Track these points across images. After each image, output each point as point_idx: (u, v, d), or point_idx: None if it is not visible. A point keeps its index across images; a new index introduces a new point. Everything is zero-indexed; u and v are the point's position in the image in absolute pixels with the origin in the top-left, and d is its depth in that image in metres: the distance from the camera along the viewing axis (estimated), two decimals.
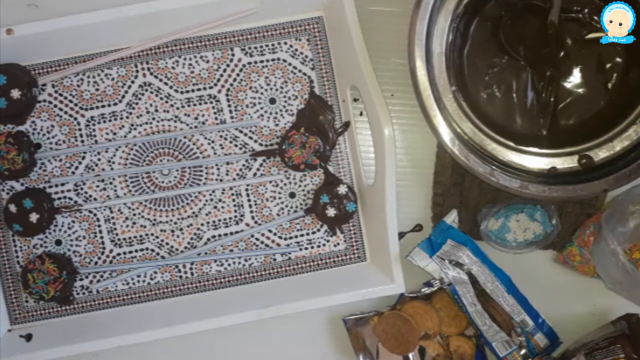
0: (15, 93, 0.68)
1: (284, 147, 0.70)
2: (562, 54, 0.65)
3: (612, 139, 0.64)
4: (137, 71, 0.71)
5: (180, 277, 0.73)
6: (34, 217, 0.69)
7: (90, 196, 0.72)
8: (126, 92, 0.72)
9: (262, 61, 0.72)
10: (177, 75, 0.72)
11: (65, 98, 0.72)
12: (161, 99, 0.72)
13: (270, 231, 0.73)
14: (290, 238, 0.73)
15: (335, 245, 0.73)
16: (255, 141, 0.72)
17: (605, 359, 0.64)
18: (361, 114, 0.72)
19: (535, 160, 0.66)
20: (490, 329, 0.68)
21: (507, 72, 0.67)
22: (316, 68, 0.72)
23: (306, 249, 0.73)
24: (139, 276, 0.73)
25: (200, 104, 0.72)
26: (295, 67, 0.72)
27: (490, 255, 0.70)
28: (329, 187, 0.70)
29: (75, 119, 0.72)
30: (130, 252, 0.73)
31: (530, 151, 0.66)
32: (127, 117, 0.72)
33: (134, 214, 0.72)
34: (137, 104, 0.72)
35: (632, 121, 0.64)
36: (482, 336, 0.68)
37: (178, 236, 0.73)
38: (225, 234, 0.73)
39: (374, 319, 0.70)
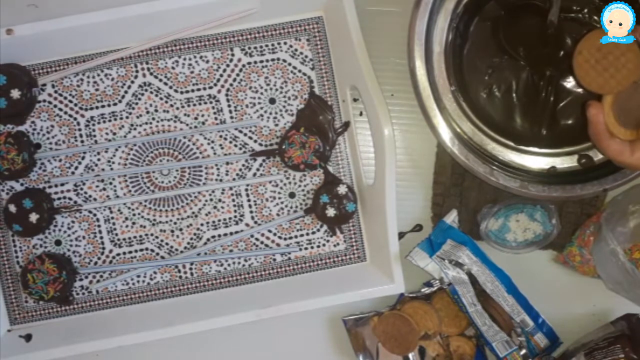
0: (15, 93, 0.68)
1: (283, 147, 0.70)
2: (562, 53, 0.65)
3: None
4: (137, 71, 0.71)
5: (180, 277, 0.73)
6: (33, 217, 0.69)
7: (90, 196, 0.72)
8: (126, 92, 0.72)
9: (262, 61, 0.72)
10: (177, 75, 0.72)
11: (65, 98, 0.72)
12: (161, 99, 0.72)
13: (270, 231, 0.73)
14: (290, 238, 0.73)
15: (335, 246, 0.73)
16: (255, 141, 0.72)
17: (605, 359, 0.64)
18: (361, 114, 0.72)
19: (535, 160, 0.66)
20: (490, 329, 0.68)
21: (507, 72, 0.67)
22: (316, 68, 0.72)
23: (306, 249, 0.73)
24: (138, 276, 0.73)
25: (200, 104, 0.72)
26: (295, 67, 0.72)
27: (490, 255, 0.70)
28: (328, 187, 0.70)
29: (75, 119, 0.72)
30: (130, 252, 0.73)
31: (530, 151, 0.66)
32: (127, 117, 0.72)
33: (134, 214, 0.72)
34: (137, 104, 0.72)
35: None
36: (482, 336, 0.68)
37: (178, 236, 0.73)
38: (225, 234, 0.73)
39: (374, 319, 0.70)
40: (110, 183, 0.72)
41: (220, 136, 0.72)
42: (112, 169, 0.72)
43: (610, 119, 0.53)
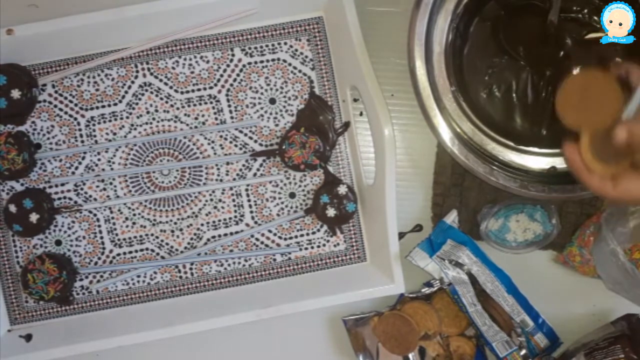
0: (16, 93, 0.68)
1: (284, 147, 0.70)
2: (562, 54, 0.65)
3: None
4: (137, 71, 0.72)
5: (180, 277, 0.73)
6: (34, 217, 0.69)
7: (90, 196, 0.72)
8: (126, 92, 0.72)
9: (262, 61, 0.72)
10: (177, 76, 0.72)
11: (65, 98, 0.72)
12: (161, 99, 0.72)
13: (270, 231, 0.73)
14: (290, 238, 0.73)
15: (335, 246, 0.73)
16: (255, 141, 0.72)
17: (605, 359, 0.64)
18: (361, 114, 0.72)
19: (535, 160, 0.66)
20: (490, 329, 0.68)
21: (507, 72, 0.67)
22: (316, 68, 0.72)
23: (306, 249, 0.73)
24: (138, 276, 0.73)
25: (200, 104, 0.72)
26: (295, 67, 0.72)
27: (490, 255, 0.70)
28: (329, 187, 0.70)
29: (75, 119, 0.72)
30: (130, 252, 0.73)
31: (530, 151, 0.66)
32: (127, 117, 0.72)
33: (134, 214, 0.72)
34: (137, 104, 0.72)
35: None
36: (482, 336, 0.68)
37: (178, 236, 0.73)
38: (225, 234, 0.73)
39: (374, 319, 0.70)
40: (111, 183, 0.72)
41: (221, 136, 0.72)
42: (112, 169, 0.72)
43: (588, 156, 0.53)
